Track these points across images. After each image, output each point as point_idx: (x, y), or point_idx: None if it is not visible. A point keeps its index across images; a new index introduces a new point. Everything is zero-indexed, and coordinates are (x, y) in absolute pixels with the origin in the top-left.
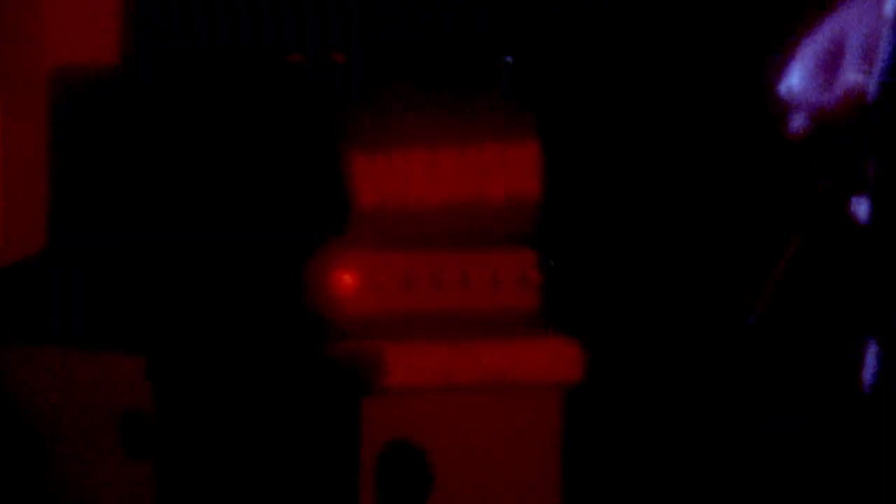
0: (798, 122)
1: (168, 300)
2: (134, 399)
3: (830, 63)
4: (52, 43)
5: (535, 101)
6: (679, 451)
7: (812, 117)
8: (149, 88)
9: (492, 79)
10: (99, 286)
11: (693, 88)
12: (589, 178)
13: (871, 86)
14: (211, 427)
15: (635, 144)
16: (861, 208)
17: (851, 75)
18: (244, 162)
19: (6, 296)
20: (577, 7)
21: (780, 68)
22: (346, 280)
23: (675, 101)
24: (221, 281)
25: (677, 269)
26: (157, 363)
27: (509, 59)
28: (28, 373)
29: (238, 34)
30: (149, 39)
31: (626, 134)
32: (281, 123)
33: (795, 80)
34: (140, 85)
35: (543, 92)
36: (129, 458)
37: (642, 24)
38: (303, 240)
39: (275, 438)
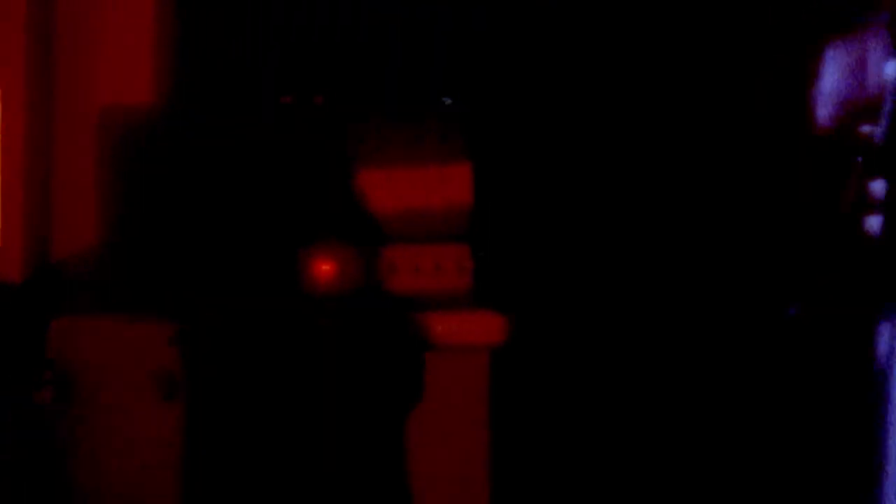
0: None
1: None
2: (164, 360)
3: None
4: (103, 83)
5: (472, 130)
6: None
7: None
8: (186, 128)
9: (434, 116)
10: (138, 270)
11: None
12: (516, 188)
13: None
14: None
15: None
16: (874, 223)
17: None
18: (258, 184)
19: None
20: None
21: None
22: (325, 268)
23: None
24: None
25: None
26: (184, 330)
27: (447, 100)
28: (75, 337)
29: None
30: (186, 80)
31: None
32: (283, 155)
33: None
34: (178, 125)
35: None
36: (161, 402)
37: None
38: (297, 240)
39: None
